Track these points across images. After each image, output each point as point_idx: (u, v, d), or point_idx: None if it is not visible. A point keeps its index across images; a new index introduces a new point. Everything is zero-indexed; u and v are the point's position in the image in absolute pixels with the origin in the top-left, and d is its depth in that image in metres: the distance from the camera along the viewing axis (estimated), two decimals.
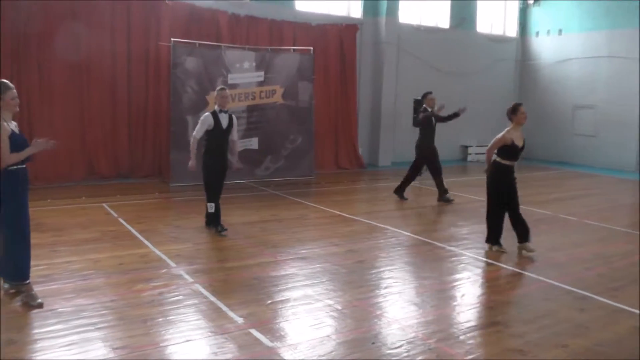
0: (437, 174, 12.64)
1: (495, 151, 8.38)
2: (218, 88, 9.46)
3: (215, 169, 9.19)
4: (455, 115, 12.45)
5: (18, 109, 6.08)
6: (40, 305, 5.90)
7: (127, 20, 14.12)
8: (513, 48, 22.92)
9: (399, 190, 12.79)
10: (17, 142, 5.86)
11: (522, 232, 8.44)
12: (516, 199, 8.46)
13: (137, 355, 4.89)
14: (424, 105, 12.55)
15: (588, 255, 8.60)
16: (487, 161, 8.56)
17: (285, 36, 16.44)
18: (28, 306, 5.89)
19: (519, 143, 8.24)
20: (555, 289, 6.98)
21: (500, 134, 8.28)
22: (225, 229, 9.20)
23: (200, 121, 9.21)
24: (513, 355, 5.11)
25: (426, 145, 12.59)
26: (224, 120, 9.16)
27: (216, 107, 9.22)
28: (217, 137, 9.17)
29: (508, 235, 8.61)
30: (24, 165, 5.99)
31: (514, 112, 8.28)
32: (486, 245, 8.75)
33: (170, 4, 14.50)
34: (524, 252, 8.42)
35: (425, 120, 12.46)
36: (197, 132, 9.22)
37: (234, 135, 9.48)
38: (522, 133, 8.38)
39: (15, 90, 5.98)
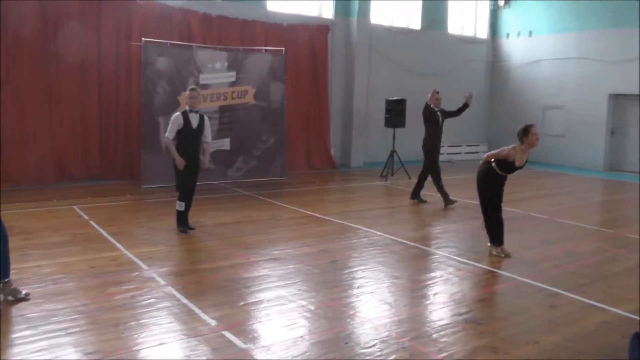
0: (425, 176, 12.61)
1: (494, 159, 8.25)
2: (189, 88, 9.49)
3: (186, 170, 9.12)
4: (465, 106, 12.43)
5: None
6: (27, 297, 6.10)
7: (98, 20, 13.96)
8: (484, 49, 23.15)
9: (415, 194, 12.66)
10: None
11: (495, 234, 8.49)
12: (500, 201, 8.47)
13: (109, 359, 4.84)
14: (427, 102, 12.41)
15: (559, 253, 8.71)
16: (481, 162, 8.45)
17: (256, 36, 16.41)
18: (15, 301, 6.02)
19: (519, 163, 8.04)
20: (527, 287, 7.06)
21: (508, 148, 8.01)
22: (192, 229, 9.35)
23: (170, 121, 9.21)
24: (485, 352, 5.15)
25: (432, 144, 12.50)
26: (194, 120, 9.14)
27: (187, 107, 9.19)
28: (187, 137, 9.13)
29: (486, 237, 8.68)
30: None
31: (525, 134, 7.93)
32: (461, 246, 8.82)
33: (141, 3, 14.39)
34: (494, 252, 8.47)
35: (426, 114, 12.37)
36: (168, 132, 9.18)
37: (207, 136, 9.44)
38: (528, 154, 8.14)
39: None
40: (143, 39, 13.46)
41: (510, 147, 8.02)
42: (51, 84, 13.55)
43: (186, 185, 9.28)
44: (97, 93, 14.18)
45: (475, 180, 8.50)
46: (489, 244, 8.58)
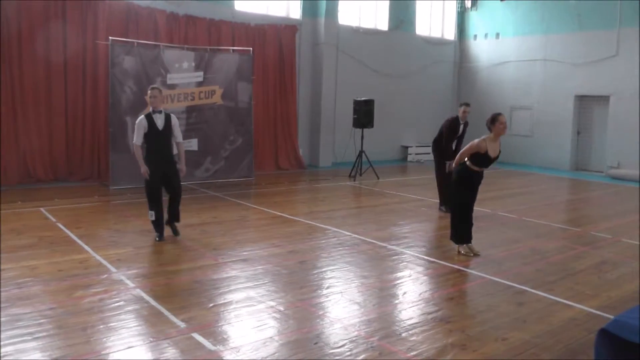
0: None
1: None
2: (149, 87, 9.10)
3: (153, 175, 8.76)
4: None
5: None
6: None
7: (63, 18, 13.78)
8: (451, 51, 23.35)
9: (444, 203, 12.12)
10: None
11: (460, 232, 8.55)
12: (473, 202, 8.58)
13: None
14: (457, 115, 11.75)
15: (526, 251, 8.82)
16: (455, 163, 8.49)
17: (223, 36, 16.34)
18: None
19: (493, 154, 8.09)
20: (495, 285, 7.14)
21: (476, 141, 8.04)
22: (171, 226, 9.23)
23: (135, 126, 8.83)
24: (454, 350, 5.19)
25: (442, 149, 11.81)
26: (159, 121, 8.75)
27: (150, 109, 8.84)
28: (154, 139, 8.77)
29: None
30: None
31: (492, 122, 8.05)
32: (429, 245, 8.89)
33: (107, 2, 14.22)
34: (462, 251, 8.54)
35: (449, 124, 11.74)
36: (135, 138, 8.79)
37: (177, 136, 9.03)
38: (499, 143, 8.23)
39: None
40: (110, 37, 13.33)
41: (479, 139, 8.05)
42: (15, 83, 13.33)
43: (153, 192, 8.87)
44: (63, 92, 13.99)
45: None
46: (457, 244, 8.63)
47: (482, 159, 8.10)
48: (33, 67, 13.49)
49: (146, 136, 8.78)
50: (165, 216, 9.15)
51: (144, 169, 8.71)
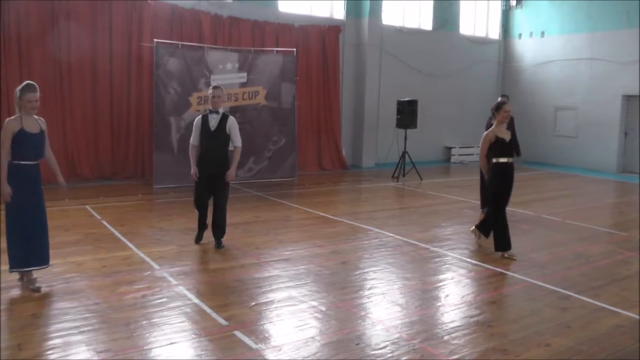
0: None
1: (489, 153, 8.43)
2: (211, 87, 8.63)
3: (200, 177, 8.42)
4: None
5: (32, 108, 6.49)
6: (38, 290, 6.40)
7: (109, 21, 14.03)
8: (495, 50, 23.07)
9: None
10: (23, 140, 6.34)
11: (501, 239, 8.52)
12: (506, 202, 8.56)
13: (120, 358, 4.86)
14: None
15: (570, 255, 8.67)
16: (482, 165, 8.66)
17: (267, 37, 16.43)
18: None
19: (506, 137, 8.32)
20: (538, 289, 7.03)
21: (484, 135, 8.45)
22: (220, 246, 8.53)
23: (193, 125, 8.64)
24: (496, 354, 5.13)
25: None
26: (212, 121, 8.34)
27: (210, 108, 8.47)
28: (205, 140, 8.37)
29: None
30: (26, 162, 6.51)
31: (497, 109, 8.40)
32: (473, 246, 8.83)
33: (152, 3, 14.43)
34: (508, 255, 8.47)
35: (488, 125, 11.64)
36: (192, 137, 8.55)
37: (234, 140, 8.46)
38: (507, 130, 8.47)
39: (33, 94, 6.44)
40: (155, 39, 13.50)
41: (485, 133, 8.46)
42: (62, 84, 13.63)
43: (197, 196, 8.57)
44: (108, 93, 14.25)
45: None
46: (497, 250, 8.52)
47: (499, 146, 8.30)
48: (80, 68, 13.76)
49: (200, 136, 8.45)
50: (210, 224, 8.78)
51: (193, 169, 8.44)
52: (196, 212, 8.72)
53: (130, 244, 8.54)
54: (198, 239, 8.75)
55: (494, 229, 8.57)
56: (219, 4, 15.77)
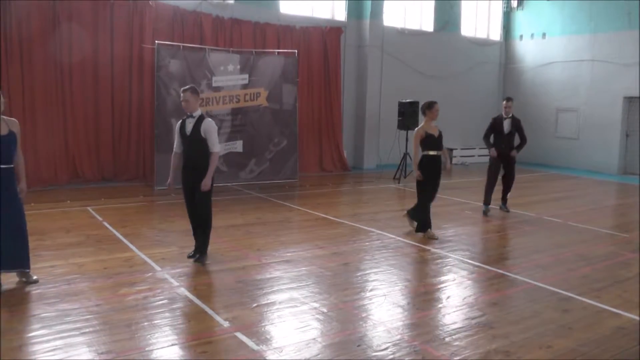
0: (504, 180, 12.24)
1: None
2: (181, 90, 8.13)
3: (184, 184, 7.91)
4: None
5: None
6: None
7: (110, 22, 14.06)
8: (497, 51, 23.08)
9: (503, 201, 12.27)
10: None
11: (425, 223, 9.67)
12: (436, 190, 9.81)
13: (122, 359, 4.86)
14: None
15: (571, 257, 8.67)
16: (414, 159, 9.69)
17: (269, 39, 16.44)
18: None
19: (435, 133, 9.56)
20: (539, 290, 7.03)
21: (415, 132, 9.65)
22: (193, 257, 7.93)
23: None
24: (498, 356, 5.13)
25: (496, 147, 11.96)
26: (188, 125, 7.77)
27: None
28: (184, 145, 7.85)
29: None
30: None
31: (429, 108, 9.59)
32: (473, 249, 8.79)
33: (153, 4, 14.45)
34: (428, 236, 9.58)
35: (494, 121, 12.13)
36: (175, 144, 8.12)
37: (210, 144, 7.71)
38: (436, 126, 9.67)
39: None
40: (156, 41, 13.51)
41: (415, 130, 9.68)
42: (64, 85, 13.66)
43: (185, 199, 8.03)
44: (110, 95, 14.27)
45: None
46: (418, 231, 9.71)
47: (429, 141, 9.50)
48: (81, 70, 13.78)
49: (181, 142, 7.95)
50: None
51: (169, 179, 8.16)
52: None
53: (131, 246, 8.54)
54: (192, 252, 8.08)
55: (422, 215, 9.65)
56: (221, 5, 15.79)
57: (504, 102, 12.13)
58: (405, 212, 10.29)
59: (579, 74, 20.50)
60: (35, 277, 6.74)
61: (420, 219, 9.71)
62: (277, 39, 16.62)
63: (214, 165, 7.68)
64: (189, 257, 7.95)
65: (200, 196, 7.71)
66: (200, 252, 7.87)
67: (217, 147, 7.80)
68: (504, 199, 12.20)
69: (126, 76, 14.44)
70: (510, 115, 11.96)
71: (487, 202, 12.00)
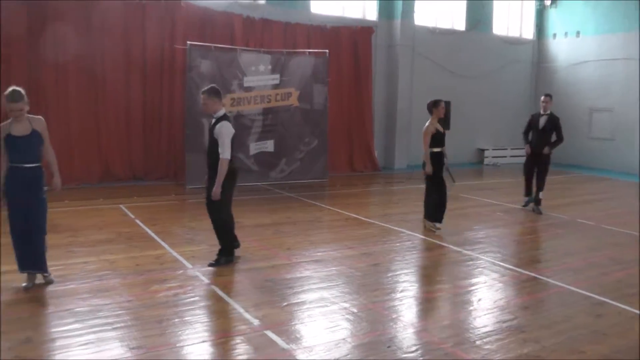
0: (536, 177, 12.22)
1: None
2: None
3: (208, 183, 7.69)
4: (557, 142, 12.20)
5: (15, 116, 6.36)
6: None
7: (142, 22, 14.21)
8: (529, 50, 22.80)
9: (535, 202, 12.19)
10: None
11: (440, 213, 10.05)
12: (444, 185, 10.13)
13: (153, 355, 4.91)
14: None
15: (605, 260, 8.51)
16: (425, 155, 9.86)
17: (299, 39, 16.48)
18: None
19: (442, 130, 9.98)
20: (571, 294, 6.92)
21: (425, 128, 9.90)
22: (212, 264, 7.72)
23: None
24: None
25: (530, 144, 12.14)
26: (211, 126, 7.67)
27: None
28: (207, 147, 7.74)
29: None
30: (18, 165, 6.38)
31: (435, 105, 9.90)
32: (505, 251, 8.71)
33: (184, 6, 14.55)
34: (429, 226, 10.05)
35: (531, 118, 12.35)
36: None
37: (221, 149, 7.37)
38: (440, 124, 10.00)
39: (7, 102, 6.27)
40: (187, 42, 13.61)
41: (425, 126, 9.90)
42: (97, 85, 13.85)
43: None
44: (142, 95, 14.44)
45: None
46: (427, 220, 10.11)
47: (438, 137, 9.86)
48: (113, 70, 13.98)
49: None
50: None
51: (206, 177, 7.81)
52: None
53: (162, 243, 8.62)
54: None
55: (439, 207, 10.02)
56: (251, 6, 15.86)
57: (542, 97, 12.14)
58: (422, 219, 10.31)
59: (612, 73, 20.13)
60: (51, 277, 6.74)
61: (434, 209, 10.07)
62: (308, 39, 16.64)
63: (222, 173, 7.35)
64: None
65: (210, 201, 7.58)
66: (220, 254, 7.79)
67: (227, 153, 7.36)
68: (536, 200, 12.09)
69: (158, 76, 14.58)
70: (548, 112, 11.95)
71: (526, 194, 12.28)
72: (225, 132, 7.39)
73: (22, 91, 6.29)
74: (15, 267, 6.48)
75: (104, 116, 14.01)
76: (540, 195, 12.09)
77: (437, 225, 10.01)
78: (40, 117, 6.63)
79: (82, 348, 5.00)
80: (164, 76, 14.62)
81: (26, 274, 6.54)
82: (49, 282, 6.64)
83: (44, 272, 6.63)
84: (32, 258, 6.49)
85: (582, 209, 12.69)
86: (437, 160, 9.90)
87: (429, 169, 9.81)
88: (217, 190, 7.36)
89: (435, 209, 10.03)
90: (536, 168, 12.01)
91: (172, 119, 14.72)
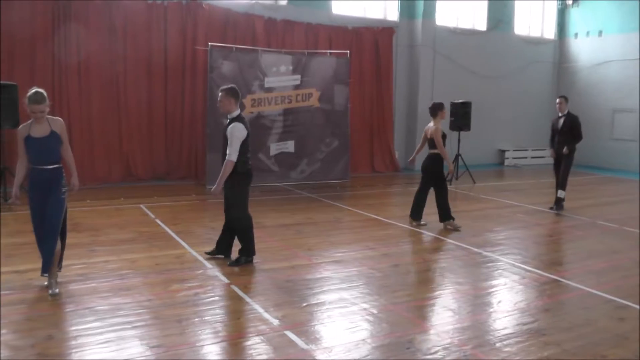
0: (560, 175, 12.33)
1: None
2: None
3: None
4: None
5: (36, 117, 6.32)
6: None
7: (164, 24, 14.31)
8: (550, 50, 22.59)
9: (555, 201, 12.34)
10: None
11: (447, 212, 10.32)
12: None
13: (172, 354, 4.94)
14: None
15: (628, 263, 8.42)
16: (446, 155, 10.36)
17: (320, 40, 16.48)
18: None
19: (444, 131, 10.39)
20: (593, 297, 6.85)
21: (435, 130, 10.20)
22: (210, 254, 8.00)
23: None
24: None
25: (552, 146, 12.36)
26: (225, 127, 7.68)
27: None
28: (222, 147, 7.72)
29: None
30: (37, 166, 6.35)
31: (440, 109, 10.33)
32: (526, 253, 8.66)
33: (206, 7, 14.63)
34: (454, 226, 10.22)
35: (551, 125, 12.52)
36: None
37: (228, 149, 7.44)
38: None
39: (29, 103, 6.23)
40: (209, 43, 13.67)
41: (434, 127, 10.24)
42: (118, 86, 13.97)
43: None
44: (163, 96, 14.52)
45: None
46: (443, 222, 10.28)
47: (444, 139, 10.34)
48: (135, 70, 14.08)
49: None
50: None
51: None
52: None
53: (183, 243, 8.67)
54: (212, 250, 8.08)
55: (445, 206, 10.29)
56: (273, 7, 15.90)
57: (557, 99, 12.28)
58: (442, 223, 10.39)
59: (636, 73, 19.86)
60: (56, 291, 6.37)
61: (445, 209, 10.31)
62: (329, 40, 16.64)
63: (224, 173, 7.45)
64: (207, 253, 8.00)
65: (228, 197, 7.69)
66: (240, 254, 7.82)
67: (234, 155, 7.40)
68: (557, 200, 12.14)
69: (179, 77, 14.65)
70: (566, 112, 12.04)
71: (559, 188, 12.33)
72: (237, 134, 7.41)
73: (44, 93, 6.30)
74: (38, 265, 6.49)
75: (126, 116, 14.12)
76: (560, 193, 12.10)
77: (456, 224, 10.28)
78: (59, 118, 6.63)
79: (102, 346, 5.05)
80: (185, 77, 14.69)
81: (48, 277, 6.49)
82: (48, 287, 6.40)
83: (43, 274, 6.38)
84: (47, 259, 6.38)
85: (604, 210, 12.56)
86: (440, 161, 10.35)
87: (451, 167, 10.50)
88: (217, 188, 7.51)
89: (447, 208, 10.30)
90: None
91: (193, 120, 14.80)
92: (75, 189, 6.77)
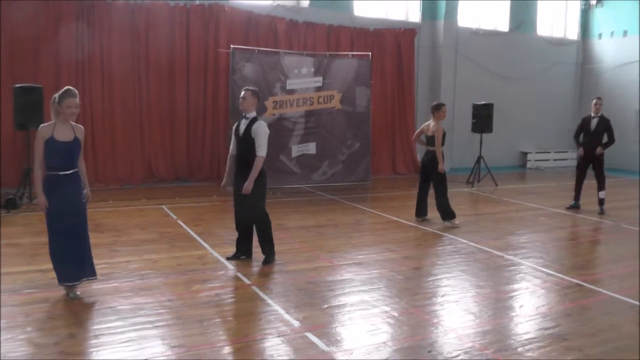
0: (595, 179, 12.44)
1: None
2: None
3: (234, 187, 7.83)
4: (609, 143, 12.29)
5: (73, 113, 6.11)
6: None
7: (187, 26, 14.41)
8: (574, 51, 22.38)
9: (599, 203, 12.36)
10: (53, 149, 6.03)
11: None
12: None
13: (193, 354, 4.97)
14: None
15: None
16: (440, 155, 10.40)
17: (342, 41, 16.50)
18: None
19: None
20: (617, 302, 6.78)
21: (436, 129, 10.43)
22: (233, 258, 7.97)
23: None
24: None
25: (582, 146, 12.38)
26: (242, 126, 7.65)
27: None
28: (237, 147, 7.78)
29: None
30: (56, 172, 6.07)
31: (439, 109, 10.53)
32: (548, 257, 8.60)
33: (229, 10, 14.69)
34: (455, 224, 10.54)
35: (582, 121, 12.58)
36: (231, 146, 8.02)
37: (257, 147, 7.49)
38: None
39: (68, 97, 6.02)
40: (231, 45, 13.74)
41: (435, 127, 10.44)
42: (141, 88, 14.11)
43: (235, 208, 8.01)
44: (185, 97, 14.62)
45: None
46: (446, 221, 10.59)
47: (444, 137, 10.56)
48: (157, 73, 14.21)
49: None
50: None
51: (224, 180, 8.13)
52: None
53: (204, 244, 8.71)
54: (233, 254, 8.06)
55: (446, 205, 10.60)
56: (295, 9, 15.94)
57: (593, 100, 12.27)
58: (445, 221, 10.70)
59: None
60: (78, 293, 6.33)
61: (446, 209, 10.60)
62: (351, 42, 16.65)
63: (257, 169, 7.45)
64: (228, 258, 7.94)
65: (247, 200, 7.56)
66: (266, 254, 7.85)
67: (263, 151, 7.48)
68: (599, 201, 12.24)
69: (201, 79, 14.75)
70: (599, 114, 12.13)
71: (575, 197, 12.56)
72: (264, 132, 7.53)
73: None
74: None
75: (148, 118, 14.24)
76: (601, 195, 12.25)
77: (453, 221, 10.63)
78: (81, 126, 6.36)
79: (124, 345, 5.09)
80: (207, 79, 14.77)
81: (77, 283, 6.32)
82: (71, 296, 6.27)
83: (77, 281, 6.28)
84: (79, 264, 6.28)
85: (627, 214, 12.41)
86: (444, 158, 10.66)
87: (442, 167, 10.45)
88: (250, 185, 7.43)
89: (448, 206, 10.61)
90: (592, 171, 12.26)
91: (216, 122, 14.88)
92: (89, 200, 6.45)
